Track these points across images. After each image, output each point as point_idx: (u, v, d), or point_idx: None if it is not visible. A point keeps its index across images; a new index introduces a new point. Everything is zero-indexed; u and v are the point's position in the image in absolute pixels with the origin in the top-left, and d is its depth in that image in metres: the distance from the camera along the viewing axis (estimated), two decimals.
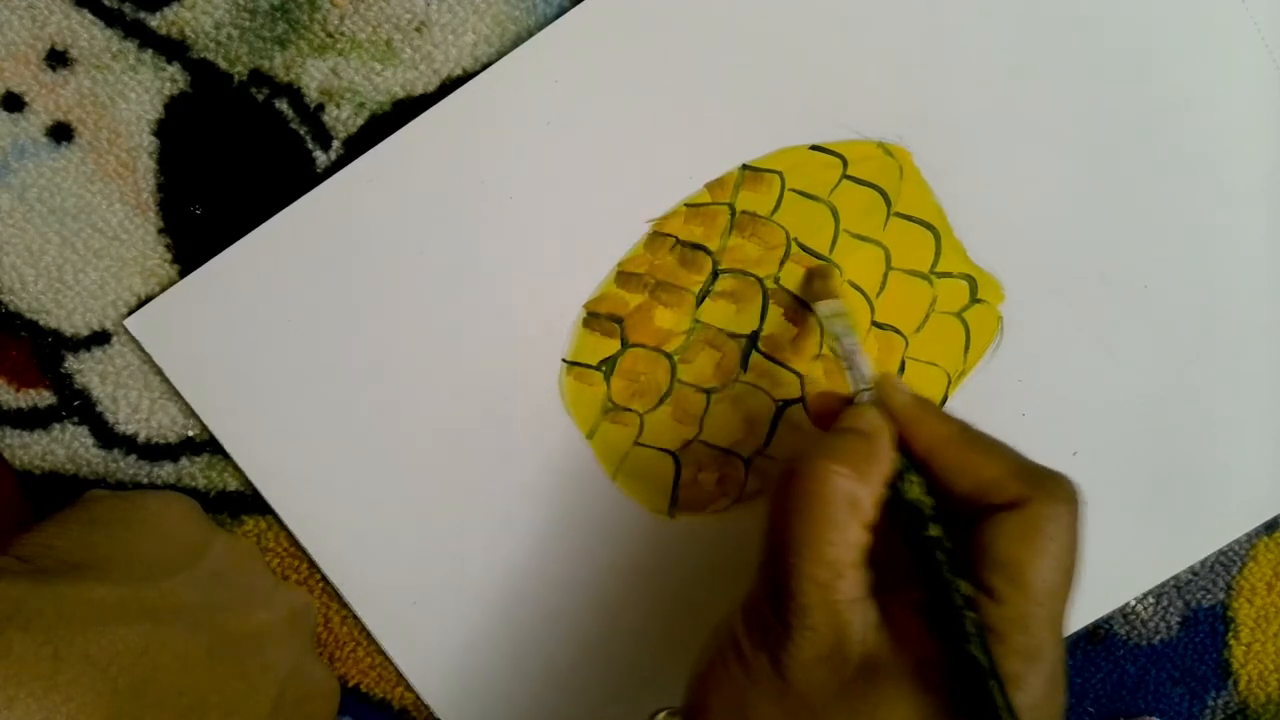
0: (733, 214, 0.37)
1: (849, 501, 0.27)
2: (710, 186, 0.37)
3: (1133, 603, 0.39)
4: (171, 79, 0.37)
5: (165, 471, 0.39)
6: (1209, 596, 0.40)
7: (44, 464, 0.39)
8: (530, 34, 0.37)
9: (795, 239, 0.37)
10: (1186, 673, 0.40)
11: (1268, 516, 0.39)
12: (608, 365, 0.38)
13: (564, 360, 0.38)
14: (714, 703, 0.28)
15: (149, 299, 0.38)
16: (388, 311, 0.38)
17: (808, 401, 0.38)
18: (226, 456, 0.38)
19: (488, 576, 0.38)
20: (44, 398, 0.38)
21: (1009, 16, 0.37)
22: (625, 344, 0.38)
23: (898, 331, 0.38)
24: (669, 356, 0.38)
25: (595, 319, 0.38)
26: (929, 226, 0.38)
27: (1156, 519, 0.38)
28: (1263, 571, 0.39)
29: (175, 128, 0.38)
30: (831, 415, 0.31)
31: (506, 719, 0.39)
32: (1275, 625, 0.40)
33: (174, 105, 0.37)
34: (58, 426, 0.39)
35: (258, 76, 0.37)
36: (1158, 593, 0.39)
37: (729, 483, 0.38)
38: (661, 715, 0.32)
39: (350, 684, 0.40)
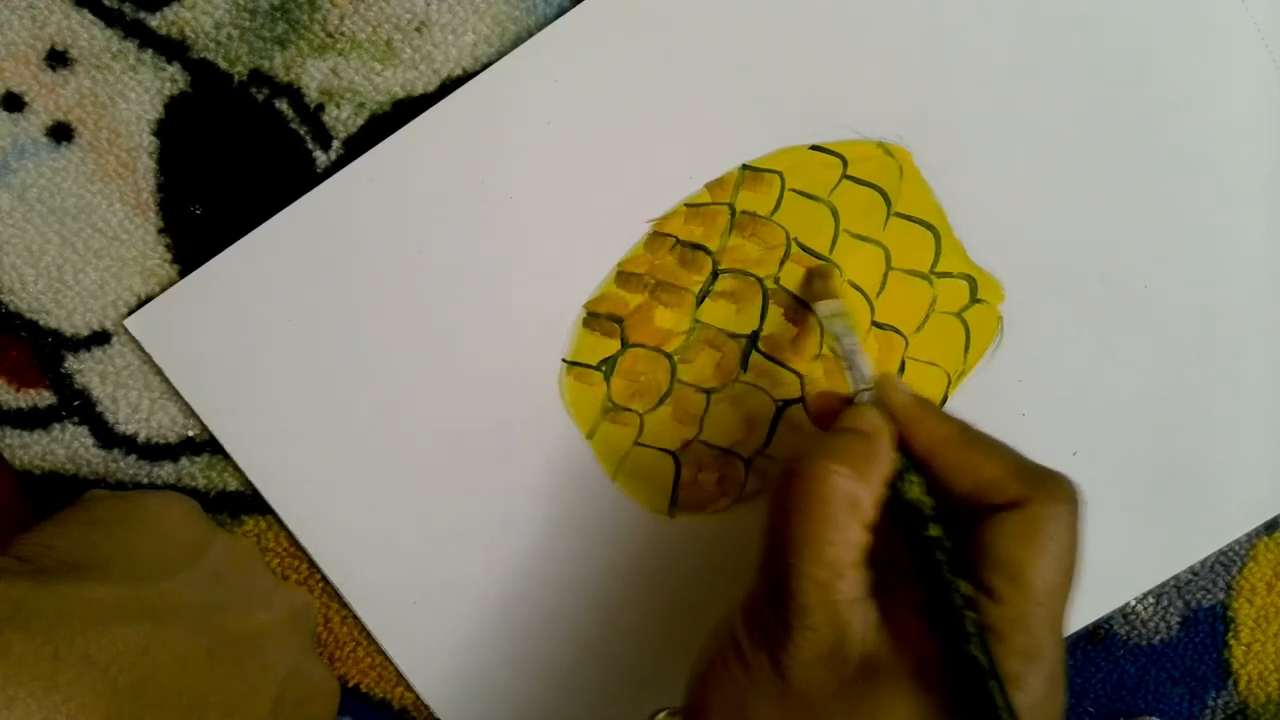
0: (733, 214, 0.37)
1: (849, 501, 0.27)
2: (710, 186, 0.37)
3: (1133, 603, 0.39)
4: (171, 79, 0.37)
5: (165, 471, 0.39)
6: (1209, 596, 0.40)
7: (44, 464, 0.39)
8: (530, 34, 0.37)
9: (795, 239, 0.37)
10: (1186, 673, 0.40)
11: (1268, 516, 0.39)
12: (608, 365, 0.38)
13: (564, 360, 0.38)
14: (714, 703, 0.28)
15: (149, 299, 0.38)
16: (388, 311, 0.38)
17: (808, 401, 0.38)
18: (226, 456, 0.38)
19: (488, 576, 0.38)
20: (44, 398, 0.38)
21: (1009, 16, 0.37)
22: (625, 344, 0.38)
23: (898, 331, 0.38)
24: (669, 356, 0.38)
25: (595, 319, 0.38)
26: (929, 226, 0.38)
27: (1156, 519, 0.38)
28: (1263, 571, 0.39)
29: (175, 128, 0.38)
30: (831, 415, 0.31)
31: (506, 719, 0.39)
32: (1275, 625, 0.40)
33: (174, 105, 0.37)
34: (58, 426, 0.39)
35: (258, 76, 0.37)
36: (1158, 593, 0.39)
37: (729, 483, 0.38)
38: (662, 715, 0.32)
39: (350, 684, 0.40)
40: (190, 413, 0.38)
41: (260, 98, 0.37)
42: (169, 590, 0.31)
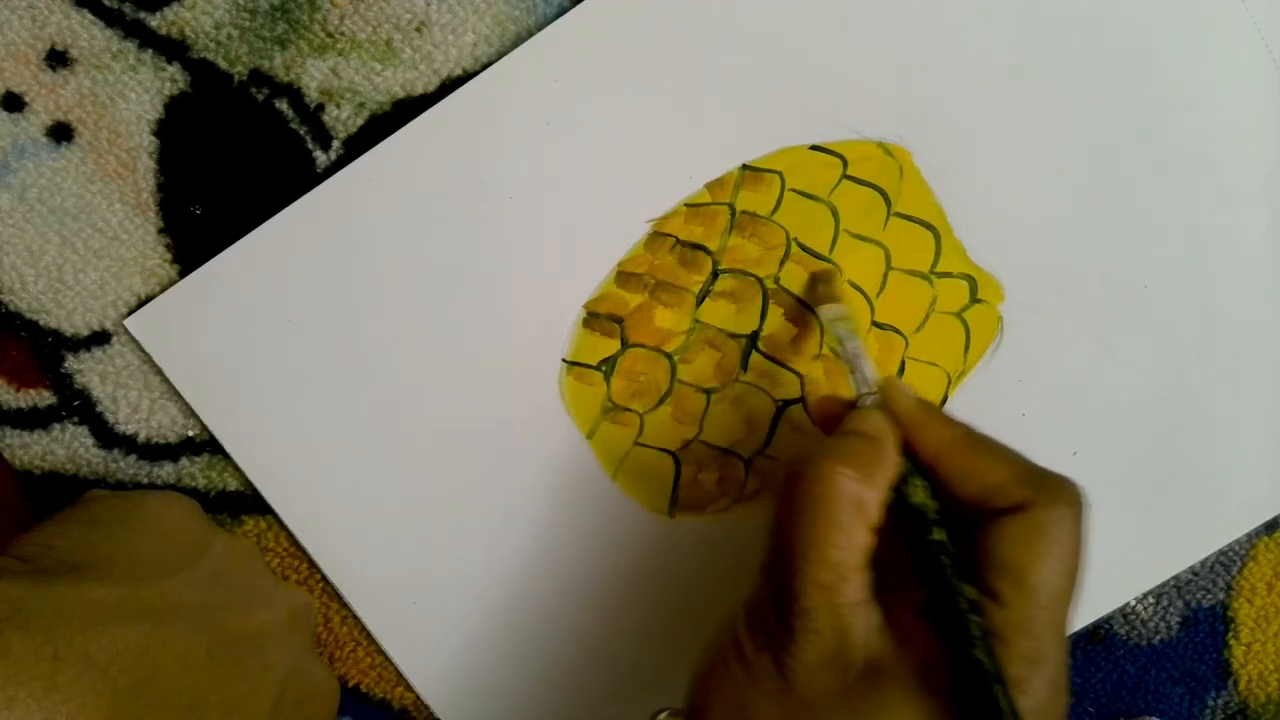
0: (733, 214, 0.37)
1: (854, 504, 0.27)
2: (710, 186, 0.37)
3: (1133, 603, 0.39)
4: (171, 79, 0.37)
5: (165, 471, 0.39)
6: (1209, 596, 0.40)
7: (44, 464, 0.39)
8: (530, 34, 0.37)
9: (795, 239, 0.37)
10: (1186, 673, 0.40)
11: (1268, 516, 0.39)
12: (608, 365, 0.38)
13: (564, 360, 0.38)
14: (715, 703, 0.28)
15: (149, 299, 0.38)
16: (388, 311, 0.38)
17: (811, 405, 0.38)
18: (226, 456, 0.38)
19: (488, 576, 0.38)
20: (44, 398, 0.38)
21: (1009, 16, 0.37)
22: (625, 344, 0.38)
23: (898, 331, 0.38)
24: (669, 356, 0.38)
25: (595, 319, 0.38)
26: (929, 226, 0.38)
27: (1156, 519, 0.38)
28: (1263, 571, 0.39)
29: (175, 128, 0.38)
30: (835, 419, 0.31)
31: (506, 719, 0.39)
32: (1275, 625, 0.40)
33: (174, 105, 0.37)
34: (58, 426, 0.39)
35: (258, 76, 0.37)
36: (1158, 593, 0.39)
37: (729, 483, 0.38)
38: (663, 716, 0.32)
39: (350, 684, 0.40)
40: (190, 413, 0.38)
41: (260, 98, 0.37)
42: (169, 590, 0.31)
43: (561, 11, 0.37)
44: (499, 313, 0.38)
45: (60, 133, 0.37)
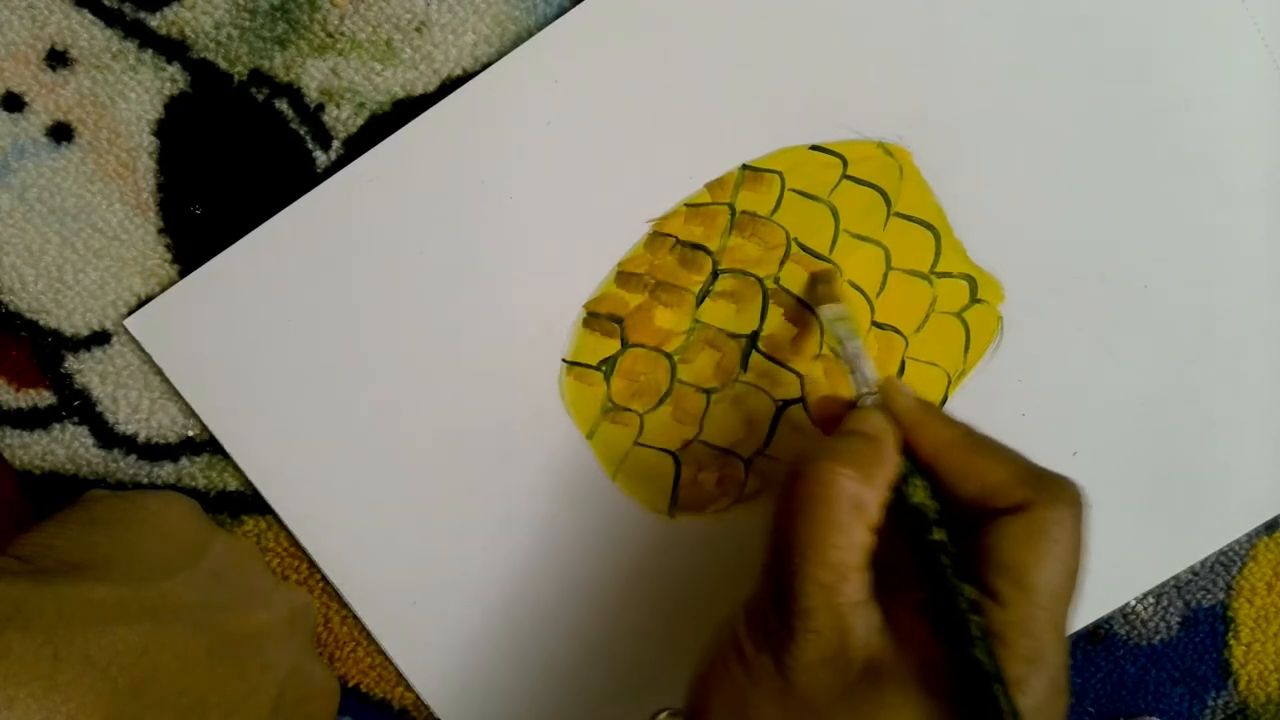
0: (733, 214, 0.37)
1: (854, 504, 0.27)
2: (710, 186, 0.37)
3: (1133, 603, 0.39)
4: (171, 79, 0.37)
5: (165, 471, 0.39)
6: (1209, 596, 0.40)
7: (44, 464, 0.39)
8: (530, 34, 0.37)
9: (795, 239, 0.37)
10: (1186, 673, 0.40)
11: (1268, 516, 0.39)
12: (608, 365, 0.38)
13: (564, 360, 0.38)
14: (715, 703, 0.28)
15: (149, 299, 0.38)
16: (388, 311, 0.38)
17: (811, 405, 0.38)
18: (226, 456, 0.38)
19: (488, 576, 0.38)
20: (44, 398, 0.38)
21: (1009, 16, 0.37)
22: (625, 344, 0.38)
23: (898, 331, 0.38)
24: (669, 356, 0.38)
25: (595, 319, 0.38)
26: (929, 226, 0.38)
27: (1156, 519, 0.38)
28: (1263, 571, 0.39)
29: (175, 128, 0.38)
30: (835, 420, 0.31)
31: (506, 719, 0.39)
32: (1275, 625, 0.40)
33: (174, 105, 0.37)
34: (58, 426, 0.39)
35: (258, 76, 0.37)
36: (1158, 593, 0.39)
37: (729, 483, 0.38)
38: (663, 716, 0.32)
39: (350, 684, 0.40)
40: (190, 413, 0.38)
41: (260, 98, 0.37)
42: (169, 590, 0.31)
43: (561, 11, 0.37)
44: (499, 313, 0.38)
45: (60, 133, 0.37)
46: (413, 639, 0.39)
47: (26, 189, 0.38)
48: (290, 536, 0.39)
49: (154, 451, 0.39)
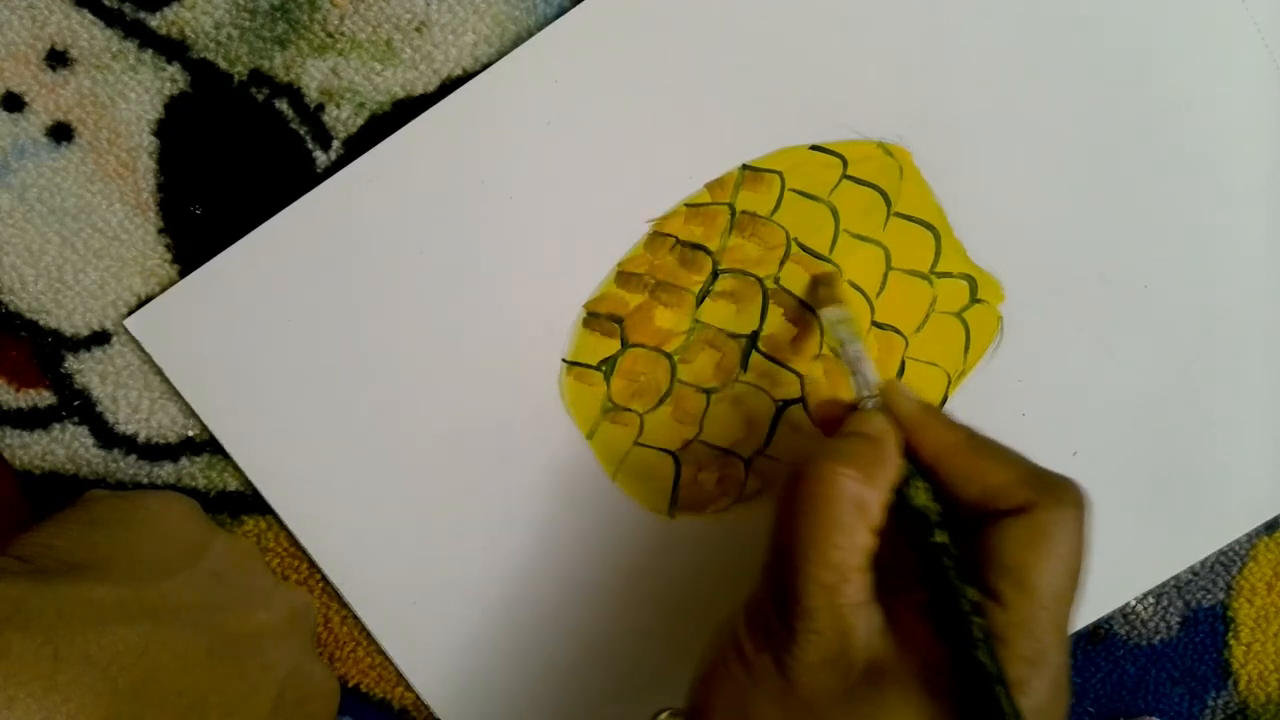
0: (733, 214, 0.37)
1: (856, 505, 0.27)
2: (710, 186, 0.37)
3: (1133, 603, 0.39)
4: (171, 79, 0.37)
5: (165, 471, 0.39)
6: (1209, 596, 0.40)
7: (44, 464, 0.39)
8: (530, 34, 0.37)
9: (795, 239, 0.37)
10: (1186, 673, 0.40)
11: (1268, 516, 0.39)
12: (608, 365, 0.38)
13: (564, 360, 0.38)
14: (716, 703, 0.28)
15: (149, 299, 0.38)
16: (388, 311, 0.38)
17: (812, 407, 0.38)
18: (226, 456, 0.38)
19: (488, 576, 0.38)
20: (44, 398, 0.38)
21: (1009, 16, 0.37)
22: (625, 344, 0.38)
23: (898, 331, 0.38)
24: (669, 356, 0.38)
25: (595, 319, 0.38)
26: (929, 226, 0.38)
27: (1156, 519, 0.38)
28: (1263, 571, 0.39)
29: (175, 128, 0.38)
30: (836, 422, 0.31)
31: (506, 719, 0.39)
32: (1275, 625, 0.40)
33: (174, 105, 0.37)
34: (58, 426, 0.39)
35: (258, 76, 0.37)
36: (1158, 593, 0.39)
37: (729, 483, 0.38)
38: (664, 716, 0.32)
39: (350, 684, 0.40)
40: (190, 413, 0.38)
41: (260, 98, 0.37)
42: (169, 590, 0.31)
43: (561, 11, 0.37)
44: (499, 313, 0.38)
45: (60, 133, 0.37)
46: (413, 639, 0.39)
47: (26, 189, 0.38)
48: (290, 536, 0.39)
49: (154, 451, 0.39)
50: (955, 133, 0.37)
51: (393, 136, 0.37)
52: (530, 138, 0.37)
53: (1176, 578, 0.39)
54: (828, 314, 0.35)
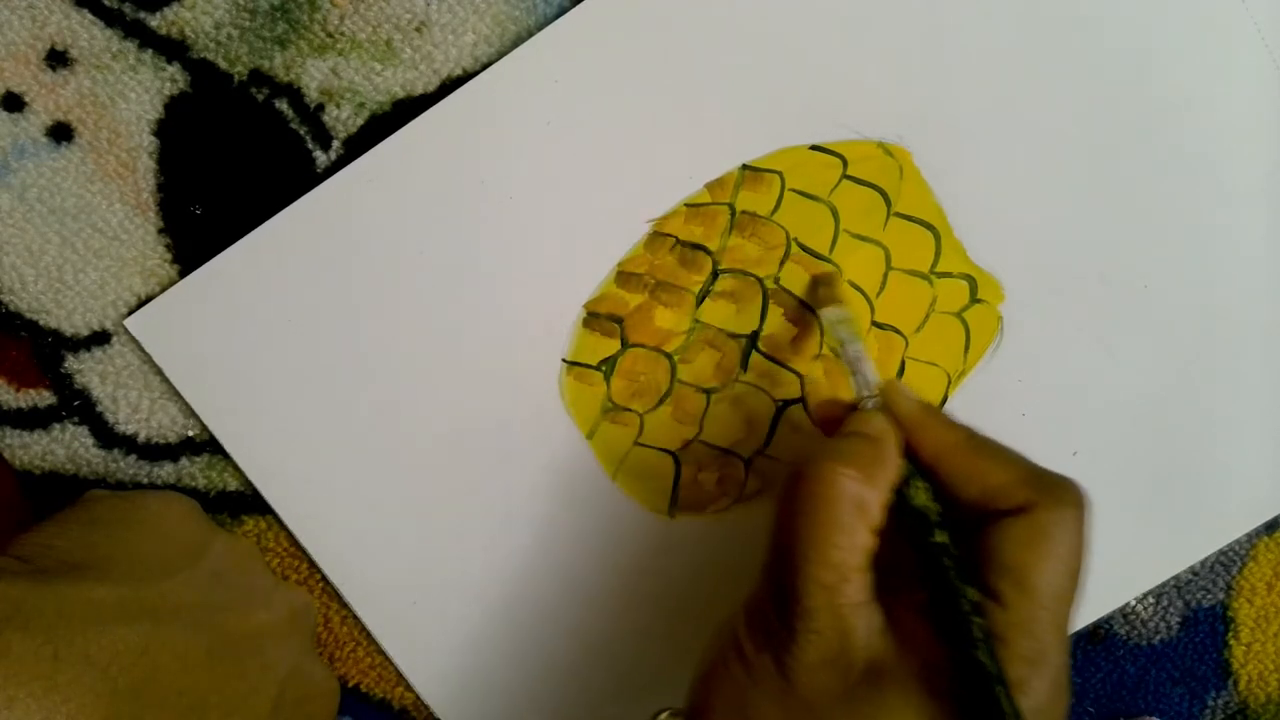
0: (733, 214, 0.37)
1: (856, 505, 0.27)
2: (710, 186, 0.37)
3: (1133, 603, 0.39)
4: (171, 79, 0.37)
5: (165, 471, 0.39)
6: (1209, 596, 0.40)
7: (44, 464, 0.39)
8: (530, 34, 0.37)
9: (795, 239, 0.37)
10: (1186, 673, 0.40)
11: (1268, 516, 0.39)
12: (608, 365, 0.38)
13: (564, 360, 0.38)
14: (716, 703, 0.28)
15: (149, 299, 0.38)
16: (388, 312, 0.38)
17: (812, 408, 0.38)
18: (226, 456, 0.38)
19: (488, 576, 0.38)
20: (44, 398, 0.38)
21: (1009, 16, 0.37)
22: (625, 344, 0.38)
23: (898, 331, 0.38)
24: (669, 356, 0.38)
25: (595, 319, 0.38)
26: (929, 226, 0.38)
27: (1156, 519, 0.38)
28: (1263, 571, 0.39)
29: (175, 128, 0.38)
30: (836, 422, 0.31)
31: (506, 719, 0.39)
32: (1275, 625, 0.40)
33: (174, 105, 0.37)
34: (58, 426, 0.39)
35: (258, 76, 0.37)
36: (1158, 593, 0.39)
37: (729, 483, 0.38)
38: (664, 716, 0.32)
39: (350, 684, 0.40)
40: (190, 413, 0.38)
41: (260, 98, 0.37)
42: (169, 590, 0.31)
43: (561, 11, 0.37)
44: (499, 313, 0.38)
45: (60, 133, 0.37)
46: (413, 639, 0.39)
47: (26, 189, 0.38)
48: (290, 536, 0.39)
49: (154, 451, 0.39)
50: (955, 133, 0.37)
51: (393, 136, 0.37)
52: (530, 138, 0.37)
53: (1176, 578, 0.39)
54: (828, 314, 0.35)
